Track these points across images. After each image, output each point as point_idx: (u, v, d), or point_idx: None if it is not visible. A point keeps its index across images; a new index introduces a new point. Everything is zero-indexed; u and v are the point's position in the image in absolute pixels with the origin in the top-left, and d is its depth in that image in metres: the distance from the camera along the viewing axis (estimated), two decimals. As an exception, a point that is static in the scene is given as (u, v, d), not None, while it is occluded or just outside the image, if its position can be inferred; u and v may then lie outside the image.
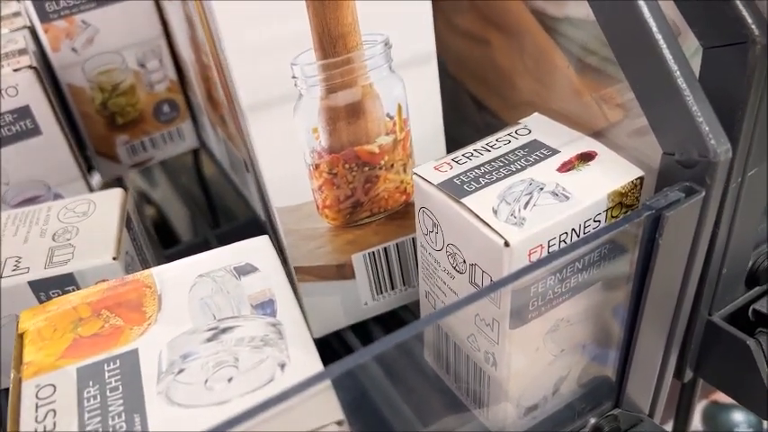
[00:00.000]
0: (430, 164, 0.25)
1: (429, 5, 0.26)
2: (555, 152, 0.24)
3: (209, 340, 0.21)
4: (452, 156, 0.25)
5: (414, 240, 0.31)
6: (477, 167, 0.24)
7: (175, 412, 0.19)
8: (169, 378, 0.20)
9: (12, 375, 0.21)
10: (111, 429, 0.19)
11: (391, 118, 0.28)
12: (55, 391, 0.20)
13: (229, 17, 0.24)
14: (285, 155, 0.27)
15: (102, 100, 0.41)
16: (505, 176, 0.23)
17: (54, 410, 0.19)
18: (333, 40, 0.25)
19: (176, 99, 0.43)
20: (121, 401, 0.19)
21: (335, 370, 0.18)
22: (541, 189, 0.23)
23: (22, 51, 0.36)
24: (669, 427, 0.37)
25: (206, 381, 0.20)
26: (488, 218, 0.22)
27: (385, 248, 0.31)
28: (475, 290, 0.24)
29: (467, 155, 0.25)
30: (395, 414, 0.28)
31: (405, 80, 0.27)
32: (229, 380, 0.20)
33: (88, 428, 0.19)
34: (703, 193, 0.21)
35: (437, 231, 0.24)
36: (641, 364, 0.25)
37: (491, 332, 0.23)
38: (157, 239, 0.38)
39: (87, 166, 0.43)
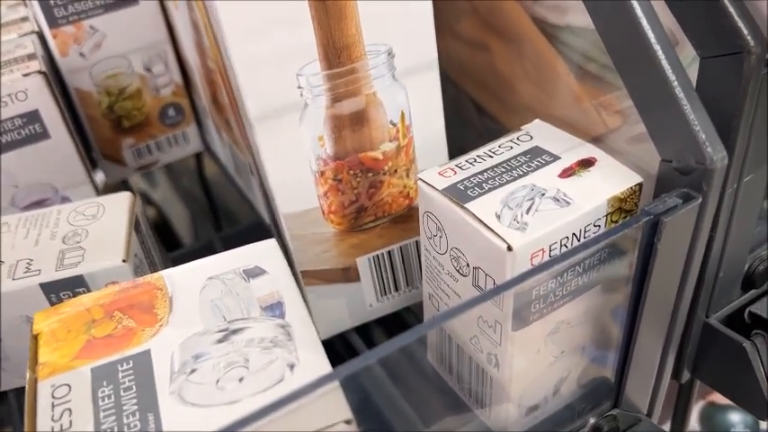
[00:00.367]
0: (434, 169, 0.25)
1: (431, 17, 0.27)
2: (556, 158, 0.25)
3: (219, 341, 0.22)
4: (456, 161, 0.26)
5: (417, 243, 0.32)
6: (481, 173, 0.25)
7: (188, 411, 0.20)
8: (181, 378, 0.20)
9: (27, 376, 0.21)
10: (125, 428, 0.19)
11: (394, 125, 0.29)
12: (70, 390, 0.20)
13: (237, 30, 0.24)
14: (291, 163, 0.28)
15: (109, 104, 0.42)
16: (508, 182, 0.24)
17: (70, 410, 0.20)
18: (337, 51, 0.26)
19: (182, 103, 0.44)
20: (135, 401, 0.20)
21: (344, 371, 0.18)
22: (543, 195, 0.23)
23: (31, 56, 0.36)
24: (667, 427, 0.38)
25: (217, 381, 0.20)
26: (492, 222, 0.22)
27: (389, 251, 0.32)
28: (478, 292, 0.24)
29: (470, 160, 0.25)
30: (398, 413, 0.28)
31: (407, 88, 0.28)
32: (240, 380, 0.20)
33: (103, 427, 0.19)
34: (700, 200, 0.22)
35: (441, 235, 0.25)
36: (640, 366, 0.26)
37: (494, 334, 0.24)
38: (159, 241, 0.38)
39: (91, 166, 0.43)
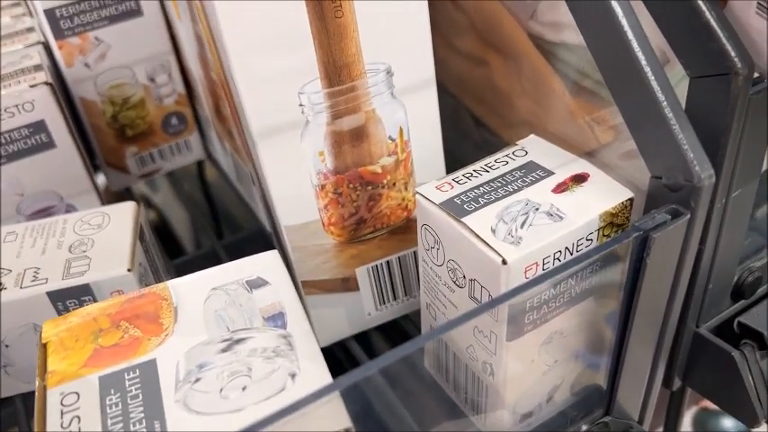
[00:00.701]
0: (432, 183, 0.26)
1: (428, 37, 0.28)
2: (550, 173, 0.26)
3: (223, 351, 0.22)
4: (453, 176, 0.26)
5: (415, 253, 0.33)
6: (477, 188, 0.25)
7: (193, 419, 0.20)
8: (186, 387, 0.21)
9: (36, 383, 0.22)
10: (133, 435, 0.20)
11: (393, 140, 0.29)
12: (79, 398, 0.21)
13: (240, 48, 0.25)
14: (293, 177, 0.28)
15: (113, 113, 0.43)
16: (503, 197, 0.25)
17: (78, 417, 0.21)
18: (338, 70, 0.27)
19: (184, 112, 0.45)
20: (142, 408, 0.21)
21: (344, 381, 0.19)
22: (537, 209, 0.24)
23: (37, 67, 0.37)
24: None
25: (221, 389, 0.21)
26: (487, 237, 0.23)
27: (387, 262, 0.32)
28: (474, 303, 0.25)
29: (467, 175, 0.26)
30: (397, 420, 0.29)
31: (406, 105, 0.29)
32: (243, 389, 0.21)
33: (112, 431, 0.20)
34: (688, 216, 0.23)
35: (438, 248, 0.26)
36: (631, 374, 0.26)
37: (489, 344, 0.25)
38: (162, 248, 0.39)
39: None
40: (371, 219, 0.31)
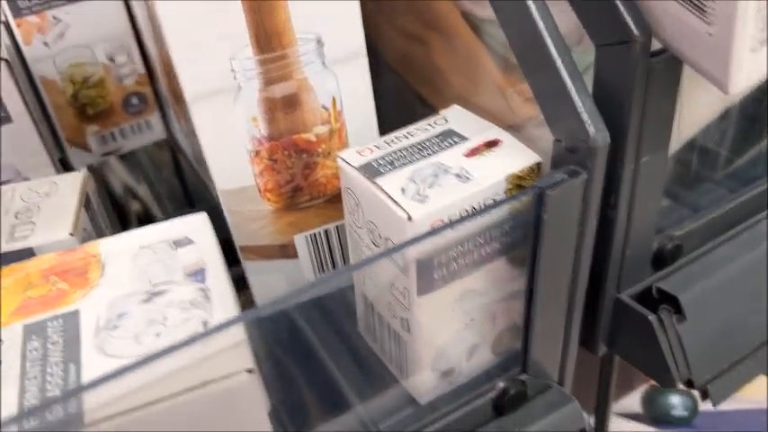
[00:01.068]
0: (354, 149, 0.27)
1: (357, 7, 0.29)
2: (465, 139, 0.27)
3: (144, 302, 0.23)
4: (376, 142, 0.27)
5: (353, 223, 0.34)
6: (395, 152, 0.26)
7: (107, 362, 0.21)
8: (104, 333, 0.22)
9: (-33, 333, 0.23)
10: (48, 376, 0.21)
11: (326, 109, 0.30)
12: (1, 343, 0.22)
13: (171, 16, 0.26)
14: (227, 141, 0.29)
15: (73, 92, 0.44)
16: (417, 160, 0.26)
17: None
18: (268, 38, 0.28)
19: (144, 92, 0.46)
20: (61, 353, 0.22)
21: (248, 315, 0.20)
22: (447, 171, 0.25)
23: (-6, 45, 0.38)
24: (622, 404, 0.39)
25: (136, 336, 0.22)
26: (396, 196, 0.24)
27: (326, 230, 0.34)
28: (390, 263, 0.26)
29: (387, 141, 0.27)
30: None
31: (338, 75, 0.30)
32: (157, 335, 0.22)
33: (29, 375, 0.21)
34: (585, 175, 0.24)
35: (359, 209, 0.27)
36: (543, 333, 0.28)
37: (403, 299, 0.26)
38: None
39: (61, 157, 0.45)
40: (308, 187, 0.32)
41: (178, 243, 0.26)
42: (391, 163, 0.26)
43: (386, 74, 0.39)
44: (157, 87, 0.46)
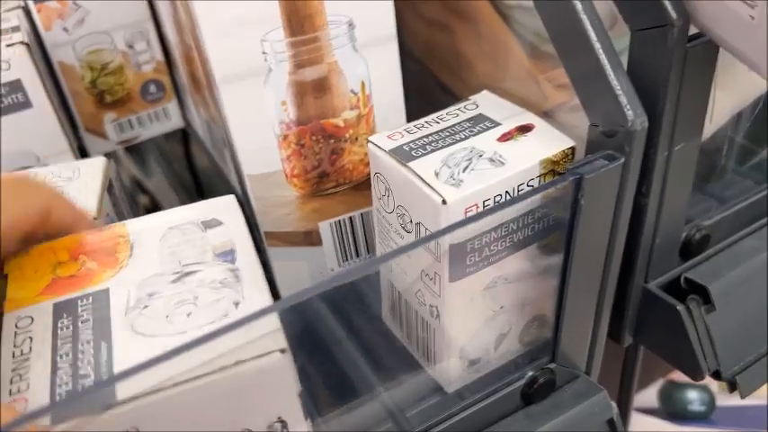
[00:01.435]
0: (384, 133, 0.27)
1: (389, -8, 0.29)
2: (497, 124, 0.26)
3: (173, 282, 0.23)
4: (405, 126, 0.27)
5: (377, 211, 0.34)
6: (426, 136, 0.26)
7: (138, 340, 0.21)
8: (135, 312, 0.22)
9: (-4, 312, 0.23)
10: (80, 354, 0.21)
11: (355, 94, 0.30)
12: (32, 321, 0.22)
13: (203, -4, 0.26)
14: (255, 125, 0.29)
15: (92, 78, 0.43)
16: (450, 144, 0.26)
17: (31, 337, 0.22)
18: (300, 20, 0.28)
19: (163, 80, 0.46)
20: (91, 331, 0.22)
21: (284, 303, 0.20)
22: (480, 156, 0.25)
23: (15, 29, 0.38)
24: (639, 399, 0.39)
25: (167, 315, 0.22)
26: (430, 179, 0.24)
27: (350, 218, 0.33)
28: (421, 248, 0.26)
29: (418, 126, 0.27)
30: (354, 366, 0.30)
31: (367, 59, 0.30)
32: (188, 314, 0.22)
33: (60, 352, 0.21)
34: (623, 160, 0.23)
35: (389, 194, 0.27)
36: (574, 322, 0.27)
37: (434, 286, 0.25)
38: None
39: (78, 144, 0.45)
40: (334, 173, 0.32)
41: (207, 224, 0.26)
42: (423, 147, 0.26)
43: (406, 61, 0.39)
44: (175, 75, 0.46)
